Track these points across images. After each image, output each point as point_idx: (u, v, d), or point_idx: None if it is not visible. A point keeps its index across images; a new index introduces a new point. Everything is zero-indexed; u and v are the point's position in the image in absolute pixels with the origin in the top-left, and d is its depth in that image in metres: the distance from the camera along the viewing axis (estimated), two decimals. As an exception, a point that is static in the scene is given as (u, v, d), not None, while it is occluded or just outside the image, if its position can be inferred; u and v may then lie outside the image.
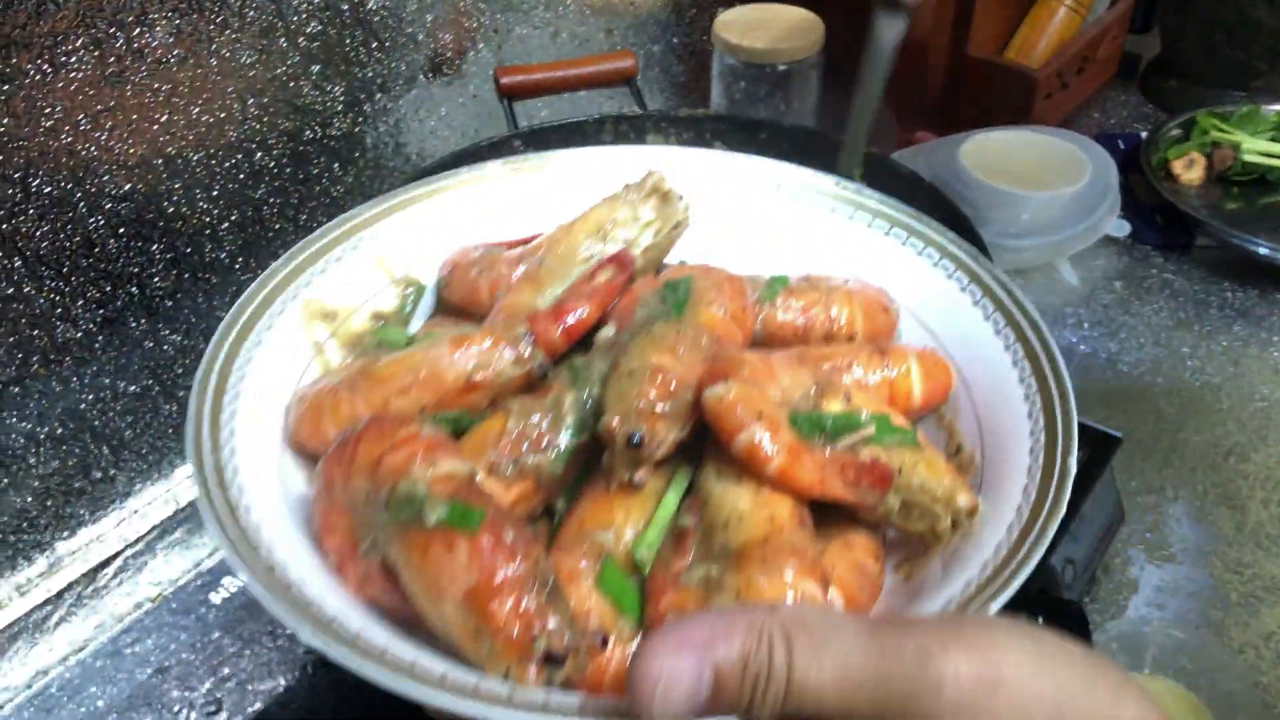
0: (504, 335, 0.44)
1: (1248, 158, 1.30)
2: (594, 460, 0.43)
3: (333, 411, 0.44)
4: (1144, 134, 1.37)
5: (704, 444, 0.42)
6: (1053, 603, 0.77)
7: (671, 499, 0.41)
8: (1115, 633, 0.81)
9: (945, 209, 0.84)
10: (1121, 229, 1.25)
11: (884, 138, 1.35)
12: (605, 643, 0.37)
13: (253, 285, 0.50)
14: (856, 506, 0.42)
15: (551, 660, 0.35)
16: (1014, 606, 0.74)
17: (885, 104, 1.40)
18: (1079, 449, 0.85)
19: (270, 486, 0.43)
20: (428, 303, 0.55)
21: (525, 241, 0.55)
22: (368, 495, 0.39)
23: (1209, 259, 1.24)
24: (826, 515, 0.43)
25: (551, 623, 0.35)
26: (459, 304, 0.52)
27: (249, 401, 0.45)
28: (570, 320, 0.45)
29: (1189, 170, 1.30)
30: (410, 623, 0.39)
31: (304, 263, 0.51)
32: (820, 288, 0.53)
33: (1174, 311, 1.17)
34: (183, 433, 0.84)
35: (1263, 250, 1.17)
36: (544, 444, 0.42)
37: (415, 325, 0.54)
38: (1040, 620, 0.77)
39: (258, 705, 0.74)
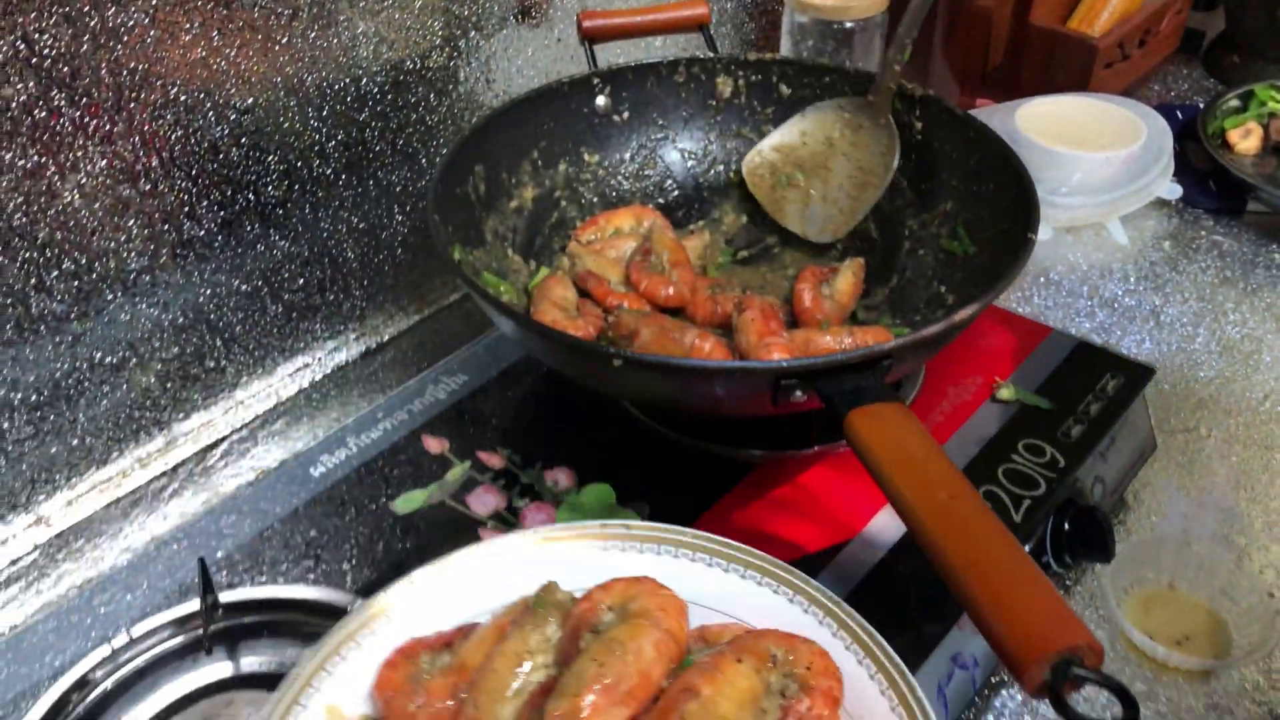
0: None
1: (1304, 129, 1.33)
2: None
3: None
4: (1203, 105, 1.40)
5: None
6: (1079, 510, 0.83)
7: None
8: (1137, 542, 0.86)
9: (995, 149, 0.90)
10: (1174, 192, 1.29)
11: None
12: None
13: None
14: None
15: None
16: (1045, 512, 0.80)
17: (948, 71, 1.46)
18: (1113, 378, 0.91)
19: None
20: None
21: (452, 636, 0.61)
22: None
23: (1260, 224, 1.27)
24: None
25: None
26: None
27: None
28: None
29: (1245, 139, 1.34)
30: None
31: None
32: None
33: (1220, 270, 1.21)
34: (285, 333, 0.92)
35: (1312, 214, 1.21)
36: None
37: None
38: (1067, 525, 0.83)
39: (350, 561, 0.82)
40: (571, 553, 0.64)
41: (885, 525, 0.80)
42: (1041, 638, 0.49)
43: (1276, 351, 1.09)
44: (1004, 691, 0.80)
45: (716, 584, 0.63)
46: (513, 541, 0.64)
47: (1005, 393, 0.90)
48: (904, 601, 0.75)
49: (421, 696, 0.56)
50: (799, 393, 0.70)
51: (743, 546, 0.64)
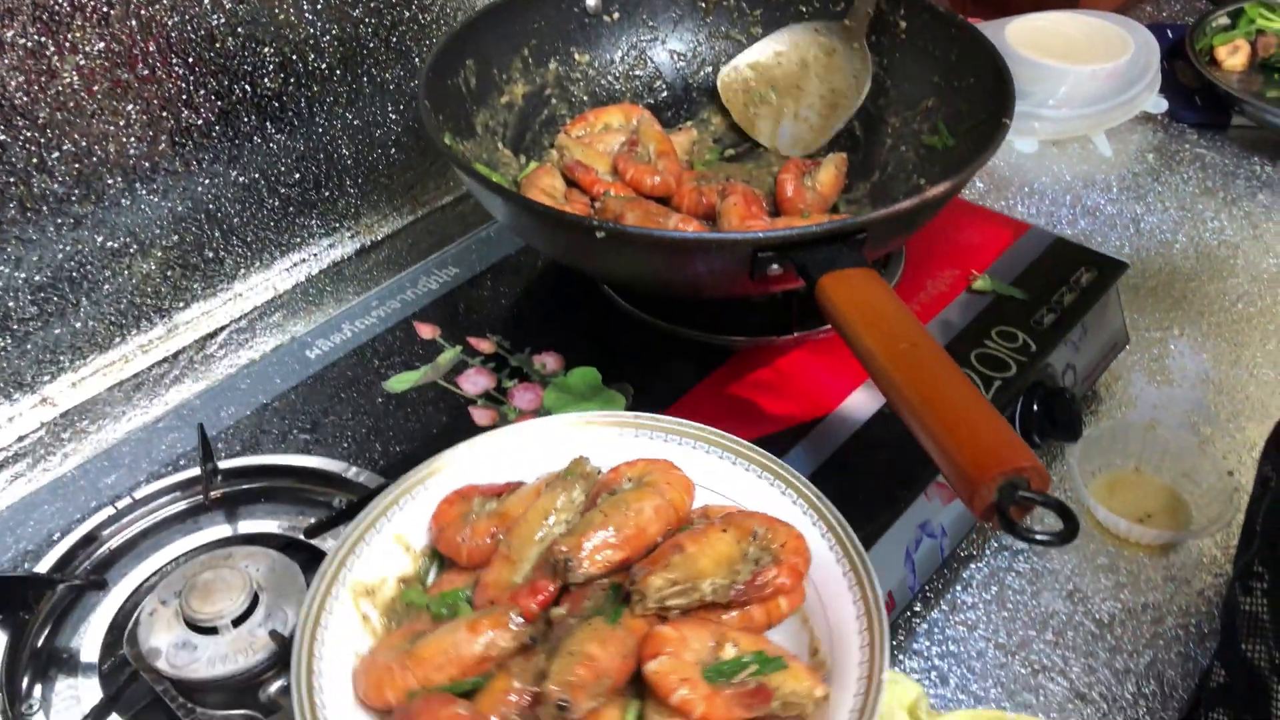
0: (502, 620, 0.60)
1: (1291, 45, 1.34)
2: None
3: (390, 683, 0.60)
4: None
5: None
6: (1048, 391, 0.86)
7: None
8: (1106, 428, 0.89)
9: (975, 43, 0.91)
10: (1159, 105, 1.30)
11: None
12: None
13: (315, 578, 0.64)
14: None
15: None
16: (1014, 392, 0.83)
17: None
18: (1087, 272, 0.93)
19: None
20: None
21: (502, 489, 0.70)
22: None
23: (1243, 138, 1.29)
24: None
25: None
26: (451, 559, 0.68)
27: (329, 669, 0.61)
28: (540, 597, 0.62)
29: (1232, 56, 1.35)
30: None
31: (345, 553, 0.66)
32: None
33: (1202, 181, 1.23)
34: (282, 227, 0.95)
35: (1296, 126, 1.23)
36: (534, 700, 0.58)
37: (432, 578, 0.69)
38: (1036, 406, 0.86)
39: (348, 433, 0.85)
40: (606, 435, 0.73)
41: (859, 403, 0.83)
42: (989, 461, 0.52)
43: (1251, 257, 1.12)
44: (972, 565, 0.84)
45: (722, 471, 0.71)
46: (556, 420, 0.74)
47: (981, 283, 0.92)
48: (874, 472, 0.78)
49: (468, 531, 0.67)
50: (776, 265, 0.72)
51: (749, 444, 0.71)
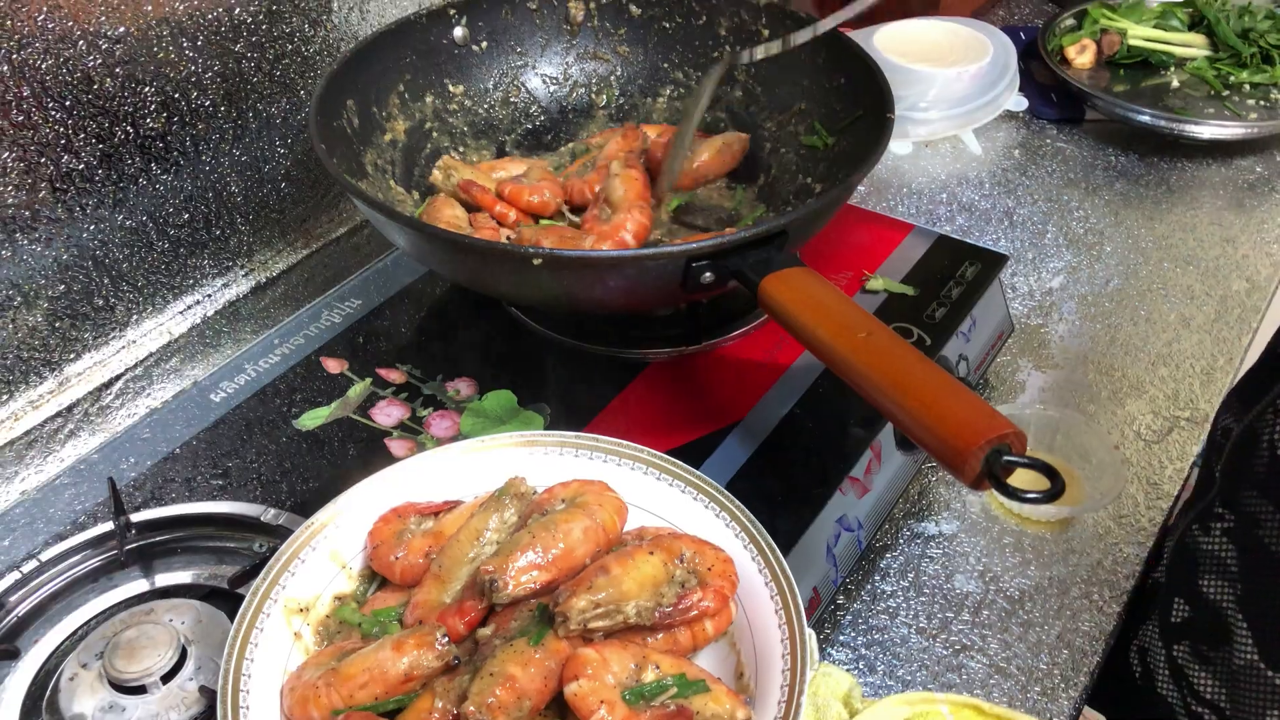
0: (427, 640, 0.61)
1: (1133, 42, 1.43)
2: None
3: (315, 701, 0.60)
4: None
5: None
6: (946, 382, 0.90)
7: None
8: (1004, 412, 0.94)
9: (840, 44, 0.96)
10: (1020, 104, 1.38)
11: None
12: None
13: (247, 595, 0.64)
14: None
15: None
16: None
17: (809, 1, 1.52)
18: (971, 266, 0.98)
19: None
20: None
21: (440, 508, 0.71)
22: None
23: (1097, 131, 1.37)
24: None
25: None
26: (385, 577, 0.69)
27: (257, 685, 0.62)
28: (467, 618, 0.64)
29: (1081, 55, 1.43)
30: None
31: (279, 571, 0.66)
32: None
33: (1064, 173, 1.30)
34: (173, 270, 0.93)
35: (1144, 117, 1.31)
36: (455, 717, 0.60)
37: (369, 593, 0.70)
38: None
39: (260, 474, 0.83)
40: (545, 456, 0.74)
41: (770, 406, 0.85)
42: (974, 432, 0.55)
43: (1116, 242, 1.19)
44: (888, 554, 0.87)
45: (654, 490, 0.72)
46: (499, 439, 0.74)
47: (875, 283, 0.96)
48: (790, 472, 0.81)
49: (402, 549, 0.68)
50: (709, 274, 0.74)
51: (682, 464, 0.73)
